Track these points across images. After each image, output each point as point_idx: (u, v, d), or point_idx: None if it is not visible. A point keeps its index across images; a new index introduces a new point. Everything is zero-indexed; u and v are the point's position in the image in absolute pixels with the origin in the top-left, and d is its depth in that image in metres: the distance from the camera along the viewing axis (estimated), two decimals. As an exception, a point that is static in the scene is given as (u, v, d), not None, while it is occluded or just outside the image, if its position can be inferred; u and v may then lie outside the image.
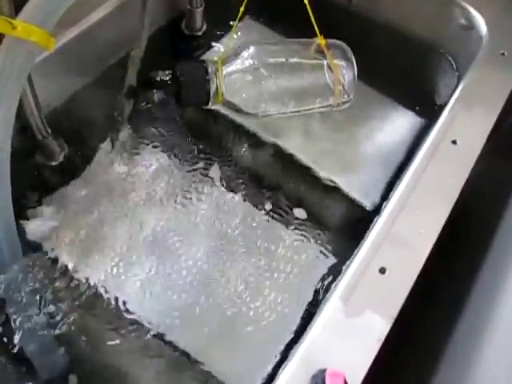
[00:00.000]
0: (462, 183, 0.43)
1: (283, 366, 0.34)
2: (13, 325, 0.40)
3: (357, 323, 0.35)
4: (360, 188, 0.51)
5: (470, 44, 0.56)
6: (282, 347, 0.41)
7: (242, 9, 0.47)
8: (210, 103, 0.49)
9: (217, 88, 0.48)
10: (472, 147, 0.46)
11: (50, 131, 0.48)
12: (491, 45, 0.54)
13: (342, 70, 0.52)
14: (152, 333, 0.42)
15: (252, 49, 0.49)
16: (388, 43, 0.61)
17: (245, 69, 0.49)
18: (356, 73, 0.51)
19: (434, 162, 0.44)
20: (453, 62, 0.60)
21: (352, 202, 0.51)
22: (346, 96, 0.53)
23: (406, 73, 0.59)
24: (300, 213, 0.50)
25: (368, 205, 0.50)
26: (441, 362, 0.37)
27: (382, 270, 0.38)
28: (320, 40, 0.50)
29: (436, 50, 0.61)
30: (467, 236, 0.48)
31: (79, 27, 0.51)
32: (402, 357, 0.40)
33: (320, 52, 0.51)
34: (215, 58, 0.49)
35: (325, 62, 0.51)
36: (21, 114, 0.43)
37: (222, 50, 0.50)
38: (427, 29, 0.60)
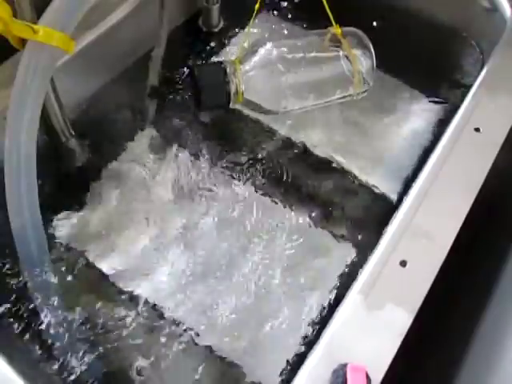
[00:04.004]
0: (486, 173, 0.42)
1: (304, 360, 0.35)
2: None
3: (378, 317, 0.35)
4: (382, 178, 0.51)
5: (494, 27, 0.54)
6: (302, 341, 0.41)
7: (257, 6, 0.47)
8: (230, 104, 0.49)
9: (236, 88, 0.48)
10: (496, 135, 0.44)
11: (73, 133, 0.49)
12: (516, 27, 0.52)
13: (360, 59, 0.51)
14: (179, 325, 0.42)
15: (269, 45, 0.49)
16: (408, 28, 0.59)
17: (263, 66, 0.49)
18: (374, 60, 0.51)
19: (457, 151, 0.43)
20: (476, 46, 0.58)
21: (374, 193, 0.50)
22: (365, 84, 0.52)
23: (427, 58, 0.57)
24: (321, 205, 0.50)
25: (390, 195, 0.50)
26: (465, 358, 0.36)
27: (403, 263, 0.38)
28: (335, 29, 0.49)
29: (459, 33, 0.59)
30: (491, 227, 0.47)
31: (99, 29, 0.52)
32: (425, 351, 0.40)
33: (336, 41, 0.50)
34: (233, 58, 0.49)
35: (341, 52, 0.50)
36: (44, 116, 0.44)
37: (240, 46, 0.50)
38: (449, 11, 0.59)
